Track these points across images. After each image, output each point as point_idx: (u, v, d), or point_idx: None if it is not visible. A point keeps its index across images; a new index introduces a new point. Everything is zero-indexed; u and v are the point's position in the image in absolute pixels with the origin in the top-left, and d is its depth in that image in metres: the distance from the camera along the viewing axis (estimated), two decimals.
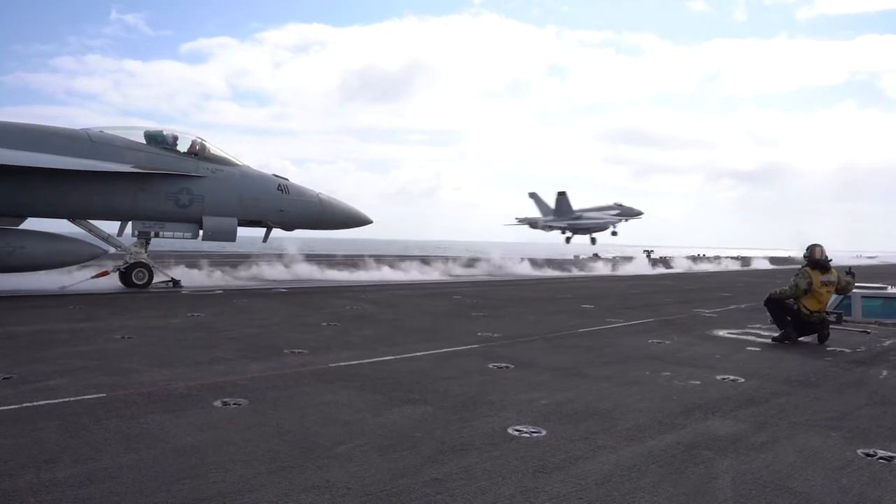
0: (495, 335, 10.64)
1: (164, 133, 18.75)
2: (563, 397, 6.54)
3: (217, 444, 4.77)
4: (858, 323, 13.27)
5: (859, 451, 5.04)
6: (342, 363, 7.95)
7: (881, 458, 4.92)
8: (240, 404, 5.92)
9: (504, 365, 8.12)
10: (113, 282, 17.96)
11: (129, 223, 18.23)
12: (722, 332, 11.83)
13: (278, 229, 20.58)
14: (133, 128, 18.73)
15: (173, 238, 19.04)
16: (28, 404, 5.72)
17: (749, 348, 10.20)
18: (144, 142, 18.17)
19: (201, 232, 18.99)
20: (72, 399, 5.94)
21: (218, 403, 5.92)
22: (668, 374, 7.91)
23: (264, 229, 20.36)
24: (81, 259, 17.50)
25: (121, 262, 18.43)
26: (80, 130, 17.60)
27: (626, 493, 4.08)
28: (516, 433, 5.26)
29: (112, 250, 18.72)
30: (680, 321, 13.45)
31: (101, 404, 5.81)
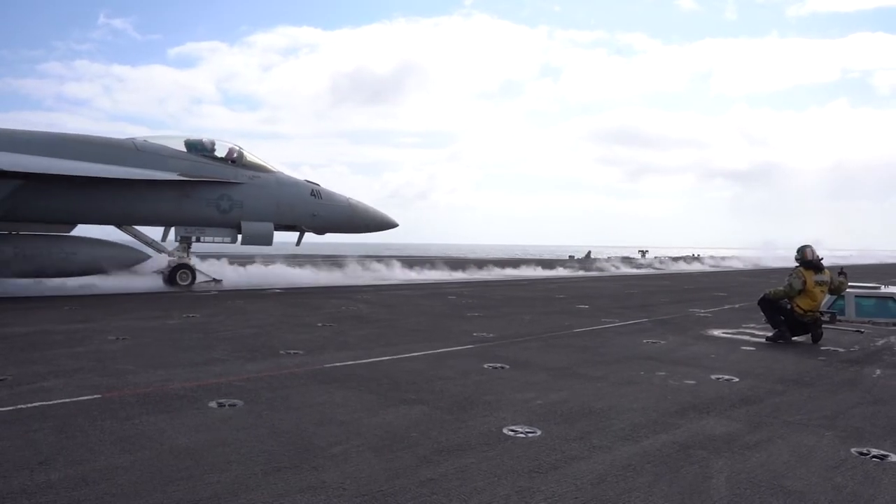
0: (490, 335, 10.65)
1: (204, 141, 19.52)
2: (558, 397, 6.56)
3: (212, 445, 4.77)
4: (852, 322, 13.32)
5: (853, 450, 5.06)
6: (338, 364, 7.96)
7: (874, 456, 4.95)
8: (235, 405, 5.92)
9: (499, 365, 8.13)
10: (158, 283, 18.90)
11: (172, 228, 19.16)
12: (716, 332, 11.86)
13: (310, 233, 21.26)
14: (174, 136, 19.42)
15: (213, 242, 19.91)
16: (22, 406, 5.71)
17: (743, 348, 10.23)
18: (185, 150, 18.98)
19: (239, 237, 19.74)
20: (66, 400, 5.93)
21: (213, 404, 5.91)
22: (664, 373, 7.93)
23: (297, 233, 21.09)
24: (128, 264, 18.31)
25: (164, 265, 19.40)
26: (126, 140, 18.52)
27: (621, 493, 4.09)
28: (512, 433, 5.27)
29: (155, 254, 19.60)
30: (675, 321, 13.48)
31: (95, 405, 5.80)
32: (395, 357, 8.55)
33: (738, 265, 50.35)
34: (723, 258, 57.11)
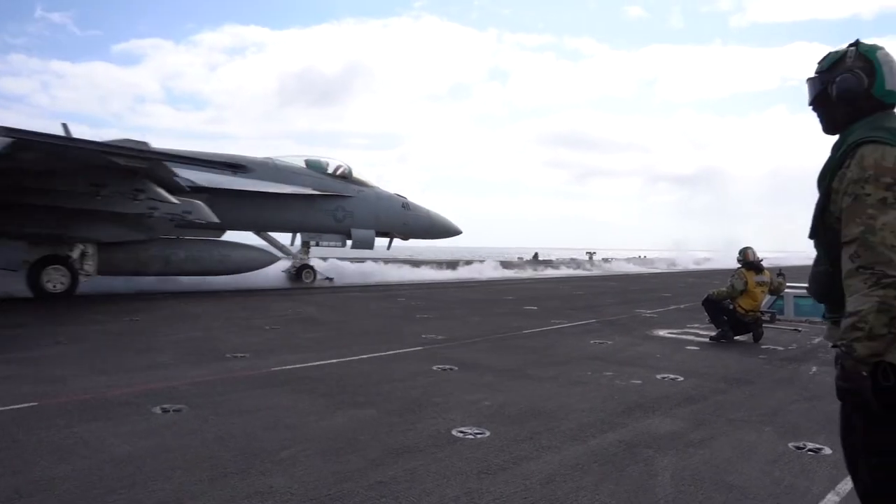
0: (440, 337, 10.65)
1: (320, 160, 22.70)
2: (506, 398, 6.60)
3: (156, 452, 4.66)
4: (790, 322, 13.75)
5: (790, 445, 5.23)
6: (286, 367, 7.86)
7: (810, 450, 5.11)
8: (180, 410, 5.79)
9: (448, 367, 8.14)
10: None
11: (298, 234, 22.39)
12: (662, 332, 12.09)
13: (398, 239, 24.52)
14: (298, 156, 22.72)
15: (328, 246, 23.19)
16: None
17: (688, 347, 10.45)
18: (305, 167, 22.13)
19: (349, 242, 22.89)
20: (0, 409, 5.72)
21: (157, 410, 5.78)
22: (611, 373, 8.05)
23: (388, 239, 24.28)
24: (265, 264, 20.66)
25: (290, 266, 22.63)
26: (266, 159, 21.59)
27: (569, 492, 4.14)
28: (461, 435, 5.28)
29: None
30: (621, 322, 13.70)
31: (31, 414, 5.60)
32: (343, 360, 8.48)
33: (661, 266, 51.20)
34: (635, 257, 58.72)
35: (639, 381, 7.61)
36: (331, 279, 23.38)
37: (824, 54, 2.89)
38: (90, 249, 16.76)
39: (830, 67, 2.81)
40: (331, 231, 22.47)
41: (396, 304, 16.75)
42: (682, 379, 7.84)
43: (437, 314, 14.26)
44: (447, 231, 25.86)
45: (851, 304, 2.43)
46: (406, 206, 23.93)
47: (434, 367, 8.09)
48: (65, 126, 18.81)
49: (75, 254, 16.54)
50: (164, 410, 5.78)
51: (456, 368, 8.08)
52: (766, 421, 6.00)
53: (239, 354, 8.58)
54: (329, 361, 8.32)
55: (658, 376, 7.96)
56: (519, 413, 6.03)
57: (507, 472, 4.46)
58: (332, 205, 22.04)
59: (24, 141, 12.61)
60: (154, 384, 6.80)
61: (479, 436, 5.27)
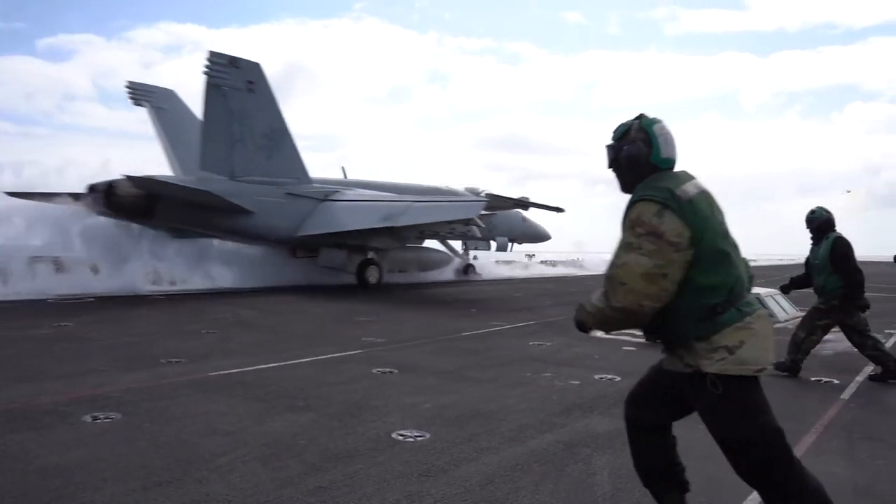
0: (380, 340, 10.61)
1: (474, 187, 29.41)
2: (447, 400, 6.61)
3: (86, 462, 4.51)
4: None
5: None
6: (223, 371, 7.71)
7: None
8: (112, 418, 5.63)
9: (388, 370, 8.12)
10: None
11: (462, 242, 31.03)
12: (599, 333, 12.22)
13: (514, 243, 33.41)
14: (460, 185, 29.68)
15: (478, 250, 32.84)
16: None
17: (625, 348, 10.64)
18: (466, 192, 28.72)
19: (492, 247, 31.99)
20: None
21: (88, 418, 5.60)
22: (549, 374, 8.15)
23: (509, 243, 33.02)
24: (447, 263, 29.70)
25: (459, 264, 31.21)
26: (443, 187, 28.63)
27: (509, 493, 4.18)
28: (401, 438, 5.27)
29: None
30: (560, 323, 13.84)
31: None
32: (282, 363, 8.37)
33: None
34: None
35: (577, 382, 7.73)
36: (480, 274, 31.80)
37: (617, 125, 3.41)
38: (375, 255, 23.45)
39: (620, 137, 3.38)
40: (481, 239, 30.36)
41: (336, 306, 16.60)
42: (619, 379, 7.98)
43: (376, 317, 14.19)
44: (545, 237, 34.65)
45: (594, 296, 3.39)
46: (524, 219, 32.26)
47: (374, 371, 8.05)
48: (343, 169, 29.44)
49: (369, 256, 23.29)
50: (95, 419, 5.60)
51: (396, 371, 8.06)
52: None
53: (174, 359, 8.38)
54: (267, 365, 8.19)
55: (596, 376, 8.10)
56: (459, 415, 6.05)
57: (447, 474, 4.48)
58: (484, 220, 27.43)
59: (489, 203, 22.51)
60: (84, 391, 6.59)
61: (419, 438, 5.27)
